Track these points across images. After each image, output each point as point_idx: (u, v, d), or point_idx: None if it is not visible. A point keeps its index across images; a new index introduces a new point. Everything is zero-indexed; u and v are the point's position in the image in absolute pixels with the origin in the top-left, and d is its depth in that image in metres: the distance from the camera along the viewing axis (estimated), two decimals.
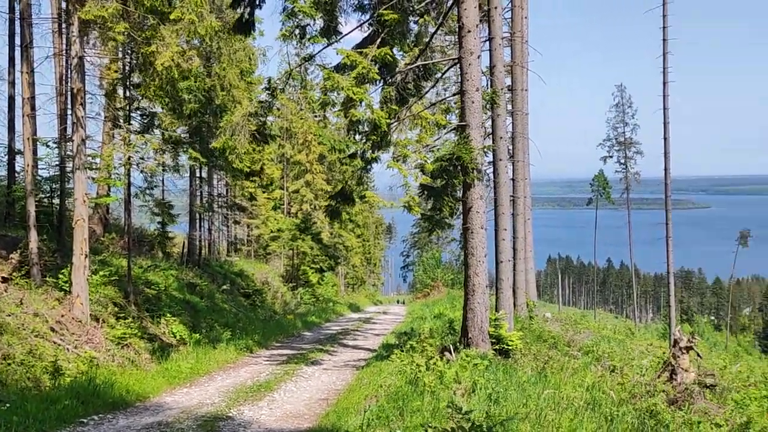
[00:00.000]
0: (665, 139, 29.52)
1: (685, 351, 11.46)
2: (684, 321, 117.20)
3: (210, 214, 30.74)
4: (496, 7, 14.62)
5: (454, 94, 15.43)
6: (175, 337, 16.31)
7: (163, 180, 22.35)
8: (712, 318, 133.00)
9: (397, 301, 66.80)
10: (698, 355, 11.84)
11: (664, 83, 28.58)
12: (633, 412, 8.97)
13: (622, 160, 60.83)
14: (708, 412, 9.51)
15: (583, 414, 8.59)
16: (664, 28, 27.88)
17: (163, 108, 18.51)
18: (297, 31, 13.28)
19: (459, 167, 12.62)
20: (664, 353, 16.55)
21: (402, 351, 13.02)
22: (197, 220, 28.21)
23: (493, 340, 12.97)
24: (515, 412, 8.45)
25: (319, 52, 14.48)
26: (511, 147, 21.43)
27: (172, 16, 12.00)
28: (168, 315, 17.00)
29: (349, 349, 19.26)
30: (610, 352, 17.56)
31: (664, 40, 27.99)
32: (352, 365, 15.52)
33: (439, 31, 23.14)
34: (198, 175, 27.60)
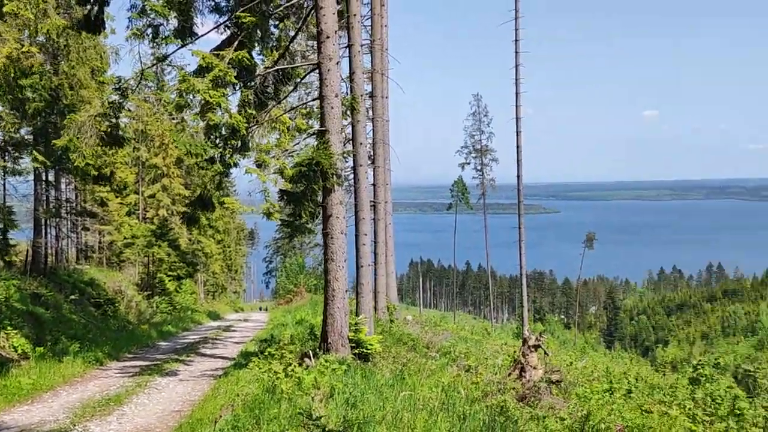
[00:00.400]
0: (518, 147, 30.94)
1: (533, 349, 12.02)
2: (537, 320, 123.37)
3: (57, 220, 29.04)
4: (355, 15, 14.76)
5: (314, 99, 15.42)
6: (15, 351, 15.23)
7: (3, 184, 20.88)
8: (562, 317, 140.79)
9: (260, 308, 65.92)
10: (545, 352, 12.45)
11: (517, 93, 29.96)
12: (485, 410, 9.31)
13: (479, 167, 63.22)
14: (554, 406, 10.02)
15: (438, 414, 8.82)
16: (516, 41, 29.24)
17: (3, 107, 17.30)
18: (149, 31, 12.80)
19: (318, 172, 12.62)
20: (515, 352, 17.28)
21: (260, 358, 12.85)
22: (43, 227, 26.57)
23: (353, 345, 13.05)
24: (372, 415, 8.54)
25: (173, 52, 14.03)
26: (372, 152, 21.73)
27: (6, 9, 11.22)
28: (8, 328, 15.87)
29: (207, 358, 18.77)
30: (467, 353, 18.16)
31: (516, 52, 29.34)
32: (209, 375, 15.13)
33: (301, 36, 23.03)
34: (44, 178, 26.02)
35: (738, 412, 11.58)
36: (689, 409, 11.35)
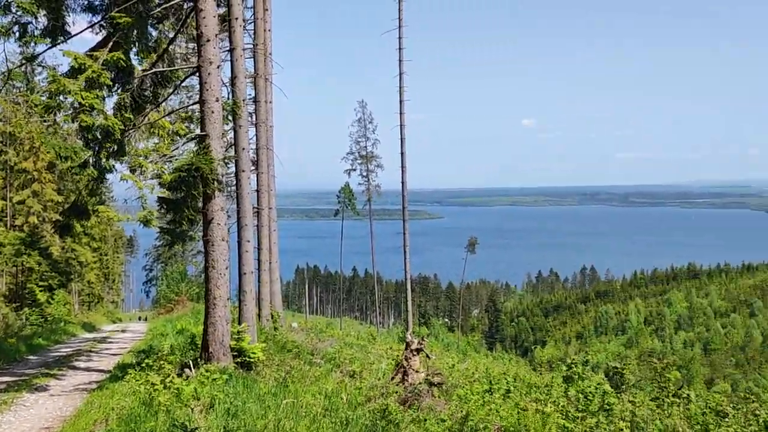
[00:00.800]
0: (402, 153, 31.41)
1: (416, 353, 12.22)
2: (422, 324, 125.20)
3: None
4: (237, 18, 14.55)
5: (194, 103, 15.07)
6: None
7: None
8: (447, 320, 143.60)
9: (139, 318, 63.63)
10: (427, 356, 12.67)
11: (401, 101, 30.43)
12: (367, 414, 9.39)
13: (365, 173, 63.62)
14: (434, 408, 10.22)
15: (321, 420, 8.83)
16: (400, 49, 29.71)
17: None
18: (16, 29, 12.12)
19: (199, 178, 12.34)
20: (398, 356, 17.50)
21: (137, 370, 12.40)
22: None
23: (235, 354, 12.83)
24: (254, 425, 8.44)
25: (43, 52, 13.32)
26: (255, 158, 21.45)
27: None
28: None
29: (80, 371, 17.92)
30: (352, 358, 18.23)
31: (400, 60, 29.82)
32: (82, 389, 14.45)
33: (181, 38, 22.45)
34: None
35: (607, 407, 12.18)
36: (562, 406, 11.85)
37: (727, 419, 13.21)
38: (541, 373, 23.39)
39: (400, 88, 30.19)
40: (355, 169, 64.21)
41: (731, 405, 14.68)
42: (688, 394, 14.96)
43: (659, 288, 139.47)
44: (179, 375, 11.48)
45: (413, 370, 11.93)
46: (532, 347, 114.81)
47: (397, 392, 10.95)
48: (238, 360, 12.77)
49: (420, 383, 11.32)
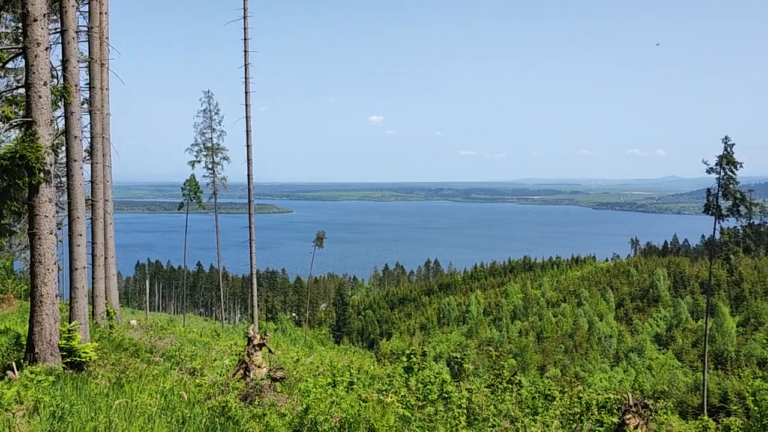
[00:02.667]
0: (248, 146, 30.90)
1: (258, 348, 12.07)
2: (269, 319, 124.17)
3: None
4: None
5: (20, 86, 14.03)
6: None
7: None
8: (294, 314, 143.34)
9: None
10: (270, 350, 12.56)
11: (246, 93, 29.91)
12: (206, 412, 9.17)
13: (210, 165, 61.93)
14: (276, 403, 10.14)
15: (156, 420, 8.52)
16: (245, 39, 29.17)
17: None
18: None
19: (24, 167, 11.50)
20: (241, 352, 17.24)
21: None
22: None
23: (65, 353, 12.10)
24: (82, 428, 8.00)
25: None
26: (90, 147, 20.31)
27: None
28: None
29: None
30: (192, 355, 17.74)
31: (245, 51, 29.28)
32: None
33: (8, 17, 20.86)
34: None
35: (446, 395, 12.63)
36: (403, 395, 12.15)
37: (554, 402, 14.12)
38: (384, 365, 23.88)
39: (245, 78, 29.67)
40: (200, 161, 62.29)
41: (559, 389, 15.71)
42: (519, 380, 15.82)
43: (498, 280, 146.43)
44: (0, 378, 10.66)
45: (255, 365, 11.78)
46: (378, 339, 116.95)
47: (238, 388, 10.76)
48: (68, 360, 12.05)
49: (262, 379, 11.20)
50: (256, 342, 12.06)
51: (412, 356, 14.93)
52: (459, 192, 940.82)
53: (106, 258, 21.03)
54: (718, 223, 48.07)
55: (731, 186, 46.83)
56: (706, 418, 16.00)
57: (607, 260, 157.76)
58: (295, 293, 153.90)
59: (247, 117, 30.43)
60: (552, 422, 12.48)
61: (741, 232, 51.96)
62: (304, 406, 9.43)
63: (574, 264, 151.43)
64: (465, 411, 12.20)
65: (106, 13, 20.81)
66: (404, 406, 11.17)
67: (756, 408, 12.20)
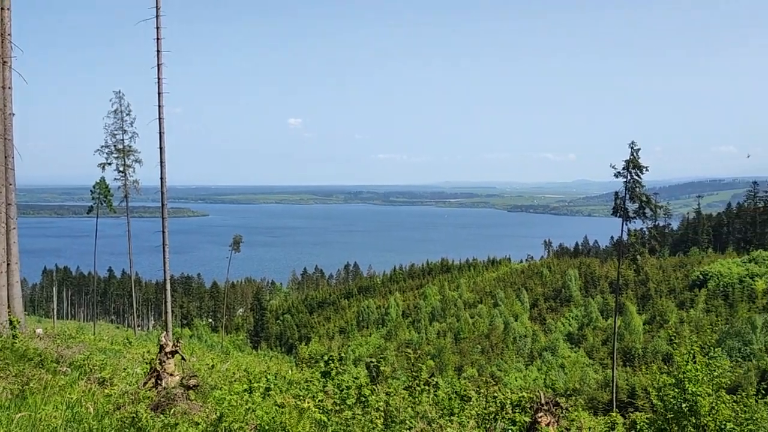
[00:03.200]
0: (161, 148, 30.15)
1: (170, 355, 11.75)
2: (184, 325, 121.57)
3: None
4: None
5: None
6: None
7: None
8: (211, 320, 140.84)
9: None
10: (183, 358, 12.25)
11: (159, 93, 29.16)
12: (114, 423, 8.86)
13: (122, 168, 60.10)
14: (189, 412, 9.88)
15: None
16: (157, 39, 28.44)
17: None
18: None
19: None
20: (153, 360, 16.77)
21: None
22: None
23: None
24: None
25: None
26: None
27: None
28: None
29: None
30: (102, 364, 17.14)
31: (158, 51, 28.54)
32: None
33: None
34: None
35: (363, 399, 12.60)
36: (320, 400, 12.06)
37: (470, 402, 14.31)
38: (301, 370, 23.72)
39: (158, 79, 28.88)
40: (110, 164, 60.36)
41: (475, 389, 15.93)
42: (437, 382, 15.97)
43: (416, 282, 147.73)
44: None
45: (167, 373, 11.45)
46: (297, 344, 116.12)
47: (149, 398, 10.43)
48: None
49: (174, 387, 10.89)
50: (168, 349, 11.73)
51: (330, 360, 14.85)
52: (378, 195, 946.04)
53: (9, 264, 20.08)
54: (626, 225, 49.99)
55: (637, 189, 48.79)
56: (614, 413, 16.54)
57: (521, 261, 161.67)
58: (211, 298, 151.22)
59: (160, 118, 29.66)
60: (468, 422, 12.64)
61: (647, 233, 54.17)
62: (218, 413, 9.23)
63: (490, 265, 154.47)
64: (382, 414, 12.21)
65: (8, 9, 19.83)
66: (321, 411, 11.09)
67: (660, 403, 12.69)
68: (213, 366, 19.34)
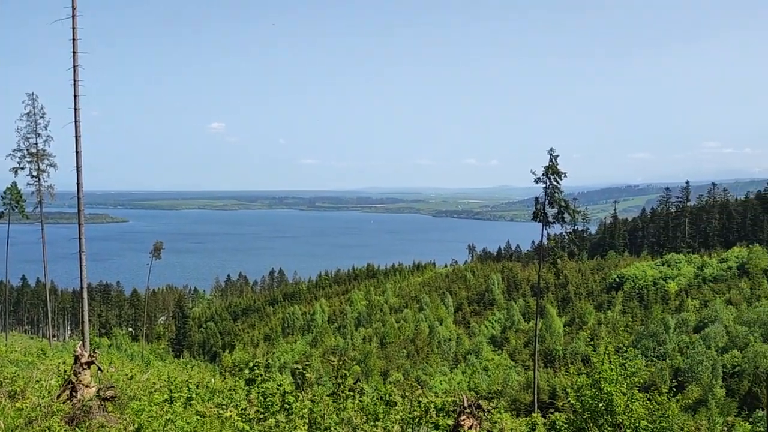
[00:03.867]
0: (77, 152, 29.16)
1: (86, 366, 11.37)
2: (103, 335, 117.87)
3: None
4: None
5: None
6: None
7: None
8: (131, 329, 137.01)
9: None
10: (99, 368, 11.87)
11: (75, 96, 28.20)
12: None
13: (35, 173, 57.90)
14: (105, 424, 9.58)
15: None
16: (73, 40, 27.51)
17: None
18: None
19: None
20: (66, 371, 16.21)
21: None
22: None
23: None
24: None
25: None
26: None
27: None
28: None
29: None
30: (13, 377, 16.45)
31: (74, 52, 27.61)
32: None
33: None
34: None
35: (288, 406, 12.50)
36: (243, 409, 11.90)
37: (395, 407, 14.36)
38: (226, 378, 23.34)
39: (74, 81, 27.89)
40: (23, 168, 58.06)
41: (400, 394, 16.01)
42: (362, 387, 15.98)
43: (342, 288, 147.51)
44: None
45: (83, 385, 11.08)
46: (221, 352, 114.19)
47: (64, 411, 10.07)
48: None
49: (90, 399, 10.54)
50: (84, 360, 11.35)
51: (254, 368, 14.66)
52: (303, 200, 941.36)
53: None
54: (546, 229, 51.22)
55: (556, 195, 50.08)
56: (535, 414, 16.90)
57: (446, 266, 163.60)
58: (131, 307, 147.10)
59: (76, 121, 28.66)
60: (393, 427, 12.69)
61: (566, 237, 55.74)
62: (136, 425, 8.98)
63: (416, 270, 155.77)
64: (306, 421, 12.14)
65: None
66: (244, 420, 10.94)
67: (578, 403, 13.03)
68: (132, 376, 18.81)
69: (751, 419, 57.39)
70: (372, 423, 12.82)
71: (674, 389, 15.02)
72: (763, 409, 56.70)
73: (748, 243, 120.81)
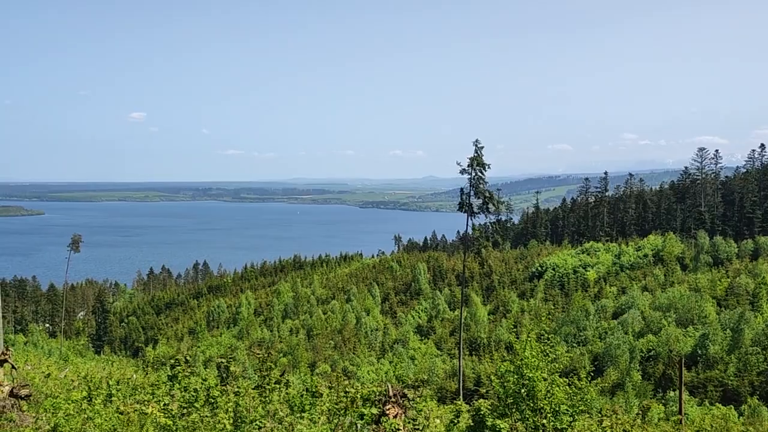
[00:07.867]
0: None
1: None
2: (18, 331, 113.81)
3: None
4: None
5: None
6: None
7: None
8: (48, 325, 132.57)
9: None
10: (13, 367, 11.44)
11: None
12: None
13: None
14: (21, 424, 9.25)
15: None
16: None
17: None
18: None
19: None
20: None
21: None
22: None
23: None
24: None
25: None
26: None
27: None
28: None
29: None
30: None
31: None
32: None
33: None
34: None
35: (212, 400, 12.33)
36: (166, 404, 11.67)
37: (321, 398, 14.36)
38: (146, 374, 22.86)
39: None
40: None
41: (327, 385, 16.01)
42: (288, 380, 15.91)
43: (268, 280, 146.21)
44: None
45: None
46: (143, 347, 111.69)
47: None
48: None
49: (3, 398, 10.14)
50: None
51: (177, 363, 14.41)
52: (228, 192, 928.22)
53: None
54: (470, 219, 52.02)
55: (481, 185, 50.90)
56: (460, 401, 17.19)
57: (372, 257, 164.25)
58: (48, 302, 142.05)
59: None
60: (319, 418, 12.69)
61: (490, 227, 56.71)
62: (52, 424, 8.70)
63: (343, 261, 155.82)
64: (231, 415, 12.01)
65: None
66: (166, 415, 10.74)
67: (501, 389, 13.32)
68: (49, 374, 18.21)
69: (664, 400, 60.00)
70: (298, 414, 12.79)
71: (593, 373, 15.53)
72: (675, 390, 59.22)
73: (662, 231, 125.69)
